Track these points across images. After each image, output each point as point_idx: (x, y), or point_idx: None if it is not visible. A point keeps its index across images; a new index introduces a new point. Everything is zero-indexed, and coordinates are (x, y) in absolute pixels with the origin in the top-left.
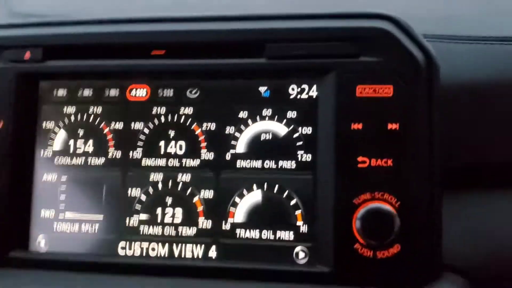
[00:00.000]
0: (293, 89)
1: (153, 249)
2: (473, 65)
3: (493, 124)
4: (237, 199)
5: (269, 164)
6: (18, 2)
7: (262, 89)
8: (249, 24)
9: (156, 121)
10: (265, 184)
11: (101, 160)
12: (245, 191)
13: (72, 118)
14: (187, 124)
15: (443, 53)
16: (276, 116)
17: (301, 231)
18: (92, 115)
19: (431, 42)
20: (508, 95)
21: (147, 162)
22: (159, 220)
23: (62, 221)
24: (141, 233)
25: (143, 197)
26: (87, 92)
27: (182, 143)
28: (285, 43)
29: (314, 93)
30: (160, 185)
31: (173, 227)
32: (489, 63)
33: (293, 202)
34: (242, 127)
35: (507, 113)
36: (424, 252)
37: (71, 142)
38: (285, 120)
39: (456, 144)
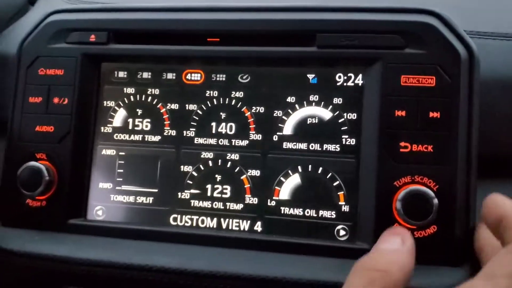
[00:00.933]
0: (339, 77)
1: (202, 221)
2: (510, 62)
3: None
4: (282, 179)
5: (314, 146)
6: None
7: (310, 76)
8: (301, 15)
9: (208, 103)
10: (310, 165)
11: (157, 138)
12: (290, 171)
13: (132, 98)
14: (238, 106)
15: (484, 48)
16: (323, 102)
17: (342, 211)
18: (150, 96)
19: (473, 38)
20: None
21: (199, 140)
22: (208, 195)
23: (119, 193)
24: (191, 206)
25: (195, 173)
26: (146, 75)
27: (232, 124)
28: (334, 33)
29: (360, 81)
30: (210, 163)
31: (222, 202)
32: None
33: (336, 183)
34: (290, 111)
35: None
36: (459, 233)
37: (130, 120)
38: (331, 106)
39: (492, 135)
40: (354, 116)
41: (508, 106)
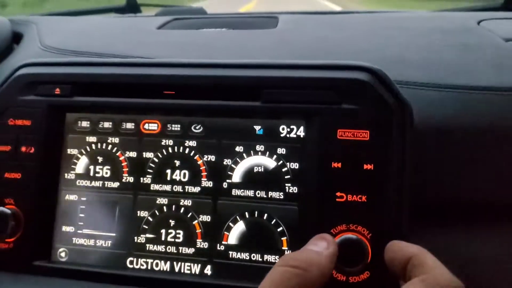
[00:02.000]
0: (283, 129)
1: (156, 265)
2: (444, 110)
3: (461, 164)
4: (231, 224)
5: (260, 193)
6: (49, 35)
7: (257, 127)
8: (248, 72)
9: (164, 152)
10: (256, 211)
11: (116, 184)
12: (238, 217)
13: (93, 146)
14: (191, 155)
15: (417, 98)
16: (268, 152)
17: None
18: (110, 145)
19: (406, 88)
20: (474, 138)
21: (155, 187)
22: (162, 239)
23: (80, 236)
24: (147, 250)
25: (150, 218)
26: (107, 124)
27: (185, 171)
28: (278, 89)
29: (301, 133)
30: (165, 208)
31: (175, 246)
32: (459, 108)
33: (279, 229)
34: (238, 159)
35: (474, 153)
36: (392, 279)
37: (91, 167)
38: (275, 156)
39: (429, 181)
40: (296, 166)
41: (440, 153)
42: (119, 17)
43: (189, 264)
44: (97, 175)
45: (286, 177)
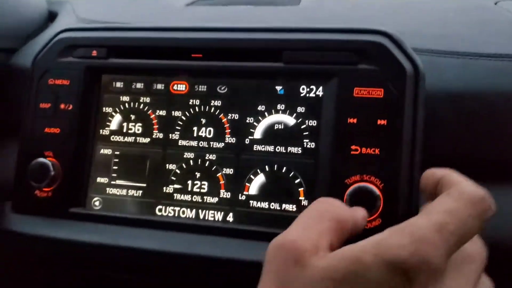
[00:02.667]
0: (303, 89)
1: (183, 212)
2: (457, 76)
3: (470, 127)
4: (252, 176)
5: (280, 149)
6: (84, 11)
7: (278, 88)
8: (270, 35)
9: (191, 110)
10: (275, 165)
11: (147, 140)
12: (258, 170)
13: (126, 105)
14: (216, 113)
15: (432, 64)
16: (288, 110)
17: (302, 204)
18: (142, 104)
19: (421, 55)
20: (484, 103)
21: (182, 143)
22: (189, 190)
23: (113, 187)
24: (174, 199)
25: (178, 171)
26: (139, 85)
27: (211, 129)
28: (299, 51)
29: (320, 93)
30: (191, 162)
31: (200, 196)
32: (471, 75)
33: (297, 181)
34: (260, 118)
35: (483, 118)
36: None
37: (124, 124)
38: (295, 114)
39: (442, 141)
40: (314, 123)
41: (454, 116)
42: None
43: (212, 212)
44: (129, 131)
45: (304, 133)
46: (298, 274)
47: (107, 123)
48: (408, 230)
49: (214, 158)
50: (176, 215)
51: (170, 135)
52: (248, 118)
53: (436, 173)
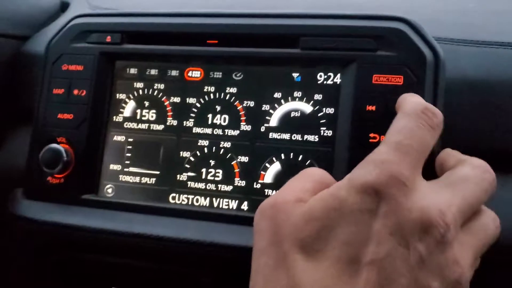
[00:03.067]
0: (320, 76)
1: (197, 200)
2: (477, 65)
3: (489, 116)
4: (267, 165)
5: (296, 137)
6: (97, 0)
7: (295, 74)
8: (287, 21)
9: (206, 98)
10: (292, 153)
11: (161, 127)
12: (274, 158)
13: (140, 92)
14: (231, 101)
15: (452, 53)
16: (305, 98)
17: None
18: (156, 90)
19: (440, 43)
20: (504, 92)
21: (197, 130)
22: (203, 178)
23: (126, 174)
24: (188, 187)
25: (192, 158)
26: (153, 72)
27: (226, 116)
28: (316, 37)
29: (338, 80)
30: (206, 149)
31: (214, 184)
32: (491, 64)
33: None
34: (276, 105)
35: (503, 106)
36: None
37: (138, 111)
38: (312, 101)
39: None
40: (331, 111)
41: (473, 105)
42: None
43: (227, 200)
44: (143, 118)
45: (321, 121)
46: (285, 223)
47: (121, 110)
48: (371, 158)
49: (229, 145)
50: (190, 203)
51: (184, 122)
52: (264, 105)
53: (457, 156)
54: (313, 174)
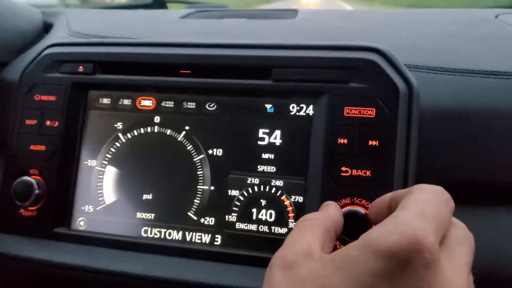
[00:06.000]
0: (293, 107)
1: (169, 234)
2: (453, 93)
3: (466, 147)
4: (240, 197)
5: (268, 169)
6: (77, 24)
7: (268, 106)
8: (259, 52)
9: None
10: (262, 185)
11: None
12: (244, 192)
13: (112, 122)
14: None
15: (429, 81)
16: (278, 129)
17: (289, 227)
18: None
19: (417, 71)
20: (481, 122)
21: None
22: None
23: (98, 206)
24: (158, 221)
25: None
26: (126, 102)
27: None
28: (288, 68)
29: (310, 111)
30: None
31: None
32: (466, 91)
33: (286, 202)
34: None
35: (479, 137)
36: None
37: (109, 142)
38: (284, 133)
39: (438, 162)
40: (303, 143)
41: (450, 135)
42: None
43: (199, 234)
44: (111, 149)
45: (294, 153)
46: (296, 277)
47: (94, 140)
48: (391, 221)
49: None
50: (162, 236)
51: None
52: (236, 136)
53: (383, 198)
54: (318, 224)
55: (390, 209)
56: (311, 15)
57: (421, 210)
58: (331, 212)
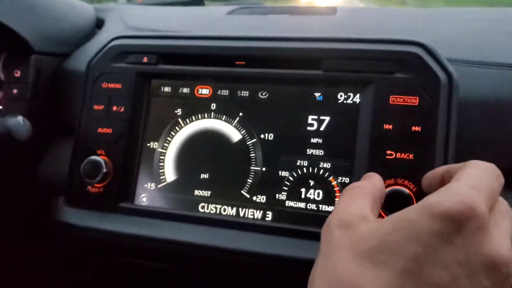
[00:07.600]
0: (341, 96)
1: (224, 210)
2: (490, 86)
3: (502, 137)
4: (290, 178)
5: (316, 152)
6: (131, 19)
7: (317, 94)
8: (310, 44)
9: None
10: (310, 167)
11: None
12: (298, 171)
13: (171, 108)
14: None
15: (466, 74)
16: (326, 116)
17: None
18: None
19: (455, 65)
20: None
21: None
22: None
23: (159, 183)
24: (213, 198)
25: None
26: (185, 90)
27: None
28: (337, 60)
29: (357, 99)
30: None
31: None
32: (504, 85)
33: (334, 183)
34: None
35: None
36: None
37: (170, 125)
38: (332, 119)
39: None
40: (351, 128)
41: (486, 125)
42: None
43: (252, 210)
44: (176, 133)
45: (341, 137)
46: (353, 234)
47: (156, 125)
48: (446, 190)
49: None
50: (218, 212)
51: None
52: (286, 122)
53: (436, 170)
54: (367, 192)
55: (443, 181)
56: (351, 13)
57: (475, 183)
58: (375, 182)
